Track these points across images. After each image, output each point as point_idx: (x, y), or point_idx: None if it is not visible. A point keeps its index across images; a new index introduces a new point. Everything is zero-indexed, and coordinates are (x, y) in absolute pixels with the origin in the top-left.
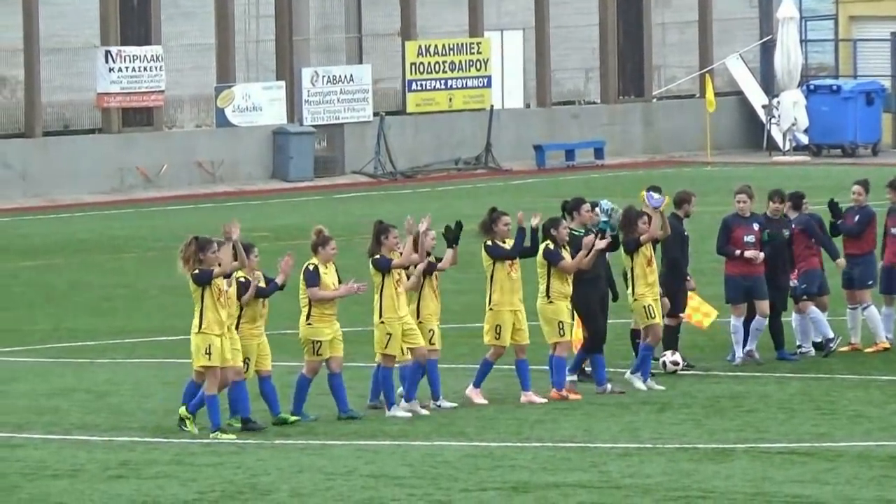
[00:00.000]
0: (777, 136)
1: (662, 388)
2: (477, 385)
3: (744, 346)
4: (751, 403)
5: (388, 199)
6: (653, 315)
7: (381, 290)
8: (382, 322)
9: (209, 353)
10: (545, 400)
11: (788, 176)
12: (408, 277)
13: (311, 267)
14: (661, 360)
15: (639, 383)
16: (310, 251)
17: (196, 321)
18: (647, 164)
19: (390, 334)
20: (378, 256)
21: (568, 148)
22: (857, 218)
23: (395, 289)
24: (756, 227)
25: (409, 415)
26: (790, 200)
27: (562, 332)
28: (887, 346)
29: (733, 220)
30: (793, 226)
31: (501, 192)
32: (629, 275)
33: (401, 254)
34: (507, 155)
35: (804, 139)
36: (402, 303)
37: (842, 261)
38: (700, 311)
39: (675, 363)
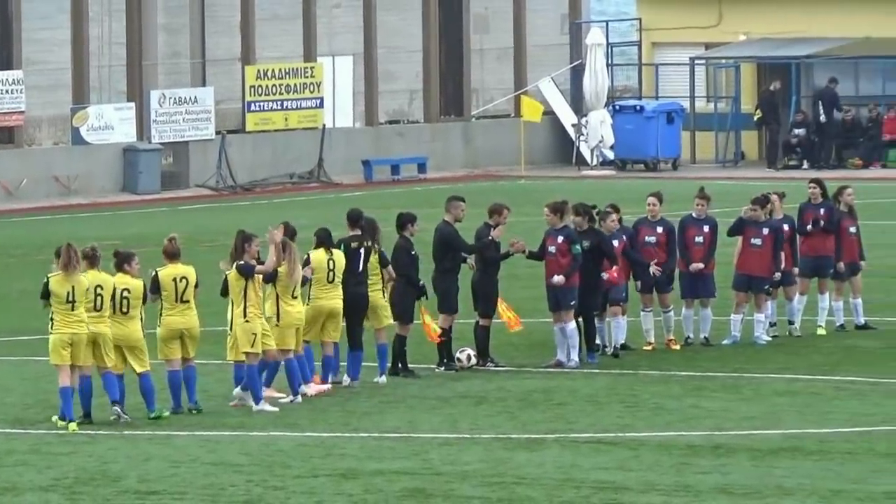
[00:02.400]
0: (585, 152)
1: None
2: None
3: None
4: (561, 397)
5: (228, 210)
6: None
7: (245, 293)
8: (247, 321)
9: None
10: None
11: (596, 189)
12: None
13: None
14: (456, 356)
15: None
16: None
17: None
18: (466, 177)
19: (255, 334)
20: (242, 262)
21: (393, 163)
22: (660, 229)
23: (257, 291)
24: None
25: (277, 409)
26: (585, 214)
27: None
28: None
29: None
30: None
31: (333, 203)
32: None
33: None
34: (338, 169)
35: (610, 155)
36: (261, 304)
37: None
38: (509, 313)
39: (469, 358)
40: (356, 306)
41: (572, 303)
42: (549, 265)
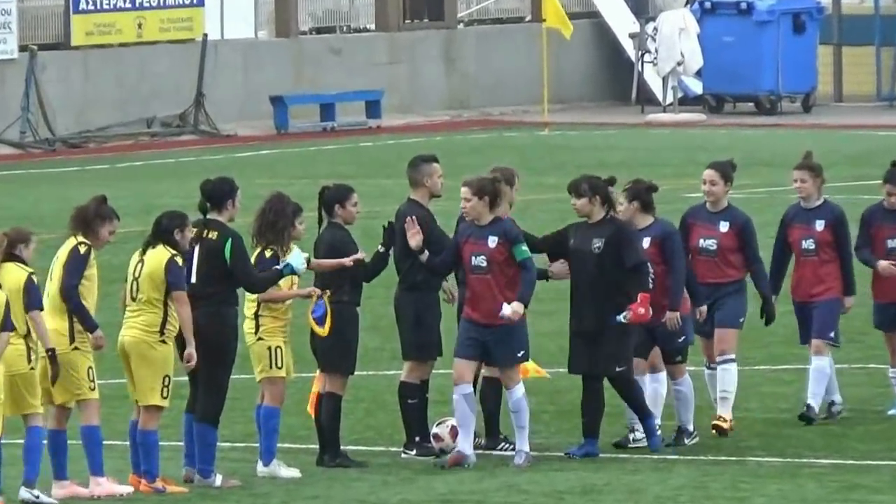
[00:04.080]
0: (653, 82)
1: (297, 473)
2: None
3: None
4: (615, 500)
5: (42, 180)
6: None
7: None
8: (32, 369)
9: None
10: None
11: (671, 145)
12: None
13: None
14: (434, 431)
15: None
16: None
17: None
18: (450, 125)
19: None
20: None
21: (325, 101)
22: (724, 225)
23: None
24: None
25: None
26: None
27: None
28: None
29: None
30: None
31: (221, 170)
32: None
33: None
34: (230, 112)
35: (696, 87)
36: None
37: (703, 309)
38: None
39: (456, 433)
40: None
41: (521, 353)
42: (476, 288)
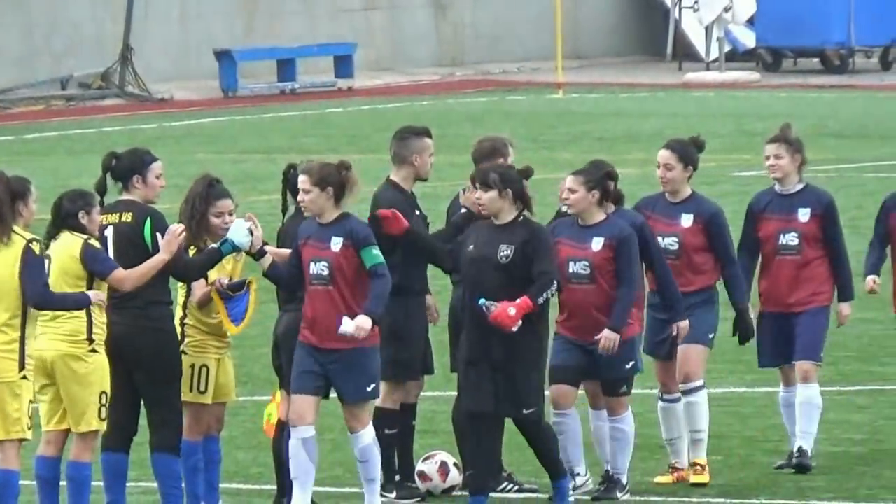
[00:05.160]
0: (694, 32)
1: None
2: None
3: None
4: None
5: None
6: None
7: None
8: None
9: None
10: None
11: (717, 111)
12: None
13: None
14: (419, 468)
15: None
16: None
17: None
18: (440, 87)
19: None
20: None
21: (283, 56)
22: (687, 219)
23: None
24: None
25: None
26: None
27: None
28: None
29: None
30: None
31: (155, 143)
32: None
33: None
34: (163, 71)
35: (748, 39)
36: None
37: (684, 324)
38: None
39: (445, 470)
40: (117, 353)
41: (371, 387)
42: (315, 303)
